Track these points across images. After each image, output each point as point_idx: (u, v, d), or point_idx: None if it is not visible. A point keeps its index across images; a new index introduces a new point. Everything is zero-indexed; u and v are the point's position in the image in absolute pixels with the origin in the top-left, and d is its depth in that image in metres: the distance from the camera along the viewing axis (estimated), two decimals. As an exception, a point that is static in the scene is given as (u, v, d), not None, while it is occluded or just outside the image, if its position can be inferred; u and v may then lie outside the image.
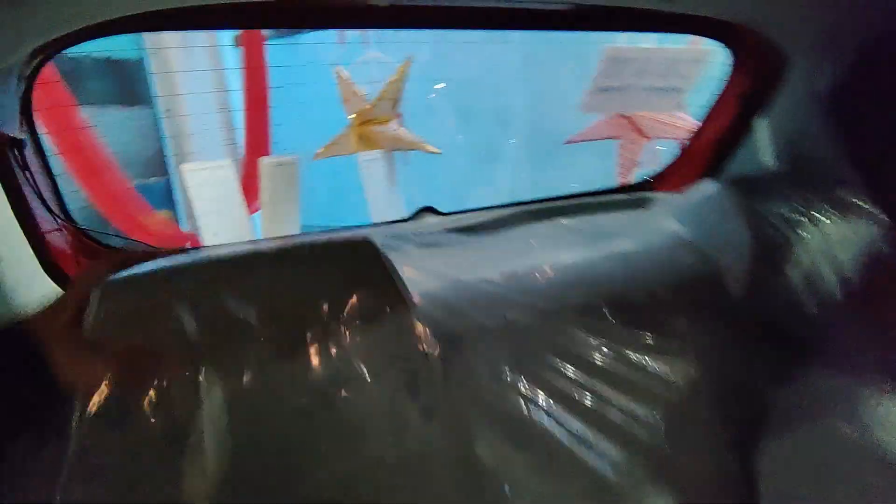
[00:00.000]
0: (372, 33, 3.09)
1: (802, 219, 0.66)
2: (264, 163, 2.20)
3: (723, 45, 0.94)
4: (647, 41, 1.03)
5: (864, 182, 0.57)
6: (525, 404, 0.53)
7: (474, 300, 0.56)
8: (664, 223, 0.73)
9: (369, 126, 2.25)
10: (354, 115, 2.31)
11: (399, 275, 0.53)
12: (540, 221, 0.74)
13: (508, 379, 0.53)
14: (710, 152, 0.97)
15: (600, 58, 0.91)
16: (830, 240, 0.65)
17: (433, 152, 2.20)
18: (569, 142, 2.02)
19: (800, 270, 0.65)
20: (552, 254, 0.64)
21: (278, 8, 0.63)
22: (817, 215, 0.67)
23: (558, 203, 0.84)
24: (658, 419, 0.56)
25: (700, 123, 1.07)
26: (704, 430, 0.58)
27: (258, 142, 2.42)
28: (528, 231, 0.72)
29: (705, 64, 0.97)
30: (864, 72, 0.63)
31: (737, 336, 0.62)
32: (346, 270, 0.53)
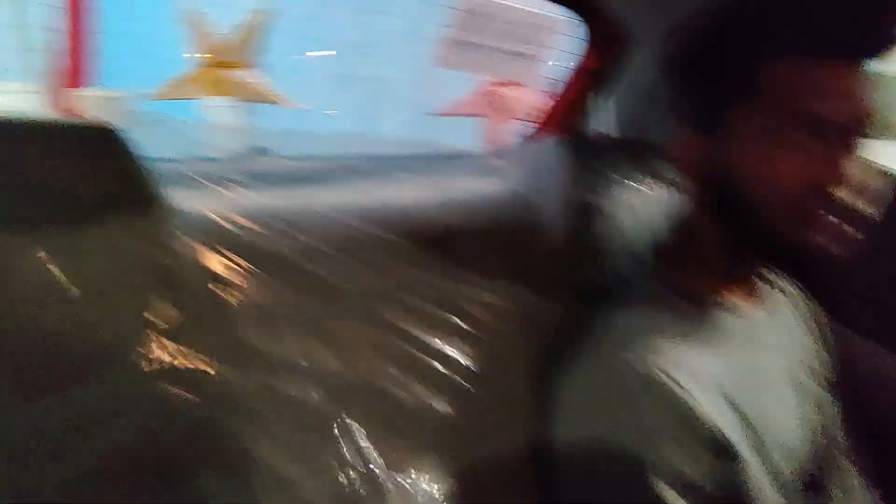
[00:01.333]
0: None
1: (627, 185, 0.69)
2: (84, 95, 1.85)
3: (577, 15, 0.95)
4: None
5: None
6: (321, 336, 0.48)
7: (268, 224, 0.48)
8: (494, 175, 0.74)
9: (220, 70, 1.99)
10: (204, 56, 2.03)
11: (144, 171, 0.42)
12: (373, 166, 0.69)
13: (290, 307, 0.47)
14: (557, 126, 0.99)
15: (456, 7, 0.86)
16: (649, 205, 0.69)
17: (297, 107, 2.03)
18: (433, 114, 2.00)
19: (617, 228, 0.68)
20: (373, 193, 0.59)
21: None
22: (640, 185, 0.71)
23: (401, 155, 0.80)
24: (468, 354, 0.56)
25: (552, 98, 1.08)
26: (511, 365, 0.58)
27: (76, 69, 2.01)
28: (355, 172, 0.66)
29: (560, 34, 0.98)
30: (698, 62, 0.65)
31: (550, 280, 0.62)
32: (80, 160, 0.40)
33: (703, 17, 0.55)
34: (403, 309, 0.53)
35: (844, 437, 0.64)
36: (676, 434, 0.46)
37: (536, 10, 1.00)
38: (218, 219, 0.48)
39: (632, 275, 0.62)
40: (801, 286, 0.72)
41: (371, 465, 0.47)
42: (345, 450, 0.46)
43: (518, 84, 1.76)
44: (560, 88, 1.05)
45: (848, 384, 0.73)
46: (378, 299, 0.52)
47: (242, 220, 0.48)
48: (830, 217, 0.49)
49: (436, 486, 0.50)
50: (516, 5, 0.97)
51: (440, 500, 0.51)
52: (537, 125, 1.04)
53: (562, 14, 0.98)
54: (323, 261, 0.50)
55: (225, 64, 1.98)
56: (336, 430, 0.47)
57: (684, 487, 0.46)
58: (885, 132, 0.89)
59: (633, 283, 0.61)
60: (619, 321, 0.54)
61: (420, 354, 0.52)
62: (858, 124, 0.49)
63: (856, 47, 0.49)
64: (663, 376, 0.47)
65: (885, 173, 0.56)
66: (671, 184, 0.64)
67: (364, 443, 0.47)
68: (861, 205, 0.49)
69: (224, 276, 0.46)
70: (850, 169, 0.48)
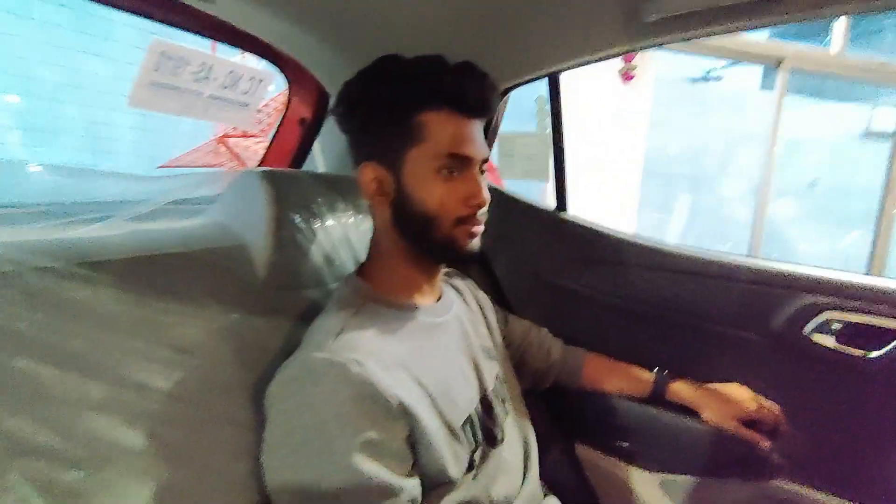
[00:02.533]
0: None
1: (330, 225, 0.80)
2: None
3: (277, 69, 1.04)
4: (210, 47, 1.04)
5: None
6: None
7: None
8: (208, 210, 0.79)
9: None
10: None
11: None
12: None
13: None
14: (273, 166, 1.05)
15: (150, 48, 0.85)
16: (349, 231, 0.80)
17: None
18: (162, 167, 1.87)
19: (321, 250, 0.75)
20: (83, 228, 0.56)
21: None
22: (341, 214, 0.81)
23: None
24: (178, 379, 0.55)
25: (268, 142, 1.14)
26: (225, 383, 0.59)
27: None
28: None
29: (267, 84, 1.05)
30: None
31: (258, 307, 0.66)
32: None
33: (362, 79, 0.69)
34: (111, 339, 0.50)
35: (511, 388, 0.83)
36: (358, 403, 0.54)
37: (239, 61, 1.05)
38: None
39: (336, 287, 0.72)
40: (472, 280, 0.93)
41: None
42: None
43: (245, 135, 1.79)
44: (274, 134, 1.12)
45: (512, 352, 0.95)
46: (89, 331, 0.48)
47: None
48: (477, 224, 0.67)
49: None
50: (219, 56, 1.01)
51: None
52: (256, 166, 1.08)
53: (269, 67, 1.07)
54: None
55: None
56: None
57: (381, 454, 0.54)
58: (513, 172, 1.22)
59: (340, 293, 0.70)
60: (330, 329, 0.61)
61: (122, 385, 0.50)
62: (485, 162, 0.69)
63: (480, 110, 0.68)
64: (350, 364, 0.55)
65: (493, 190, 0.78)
66: (368, 210, 0.75)
67: None
68: (485, 213, 0.69)
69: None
70: (483, 190, 0.67)
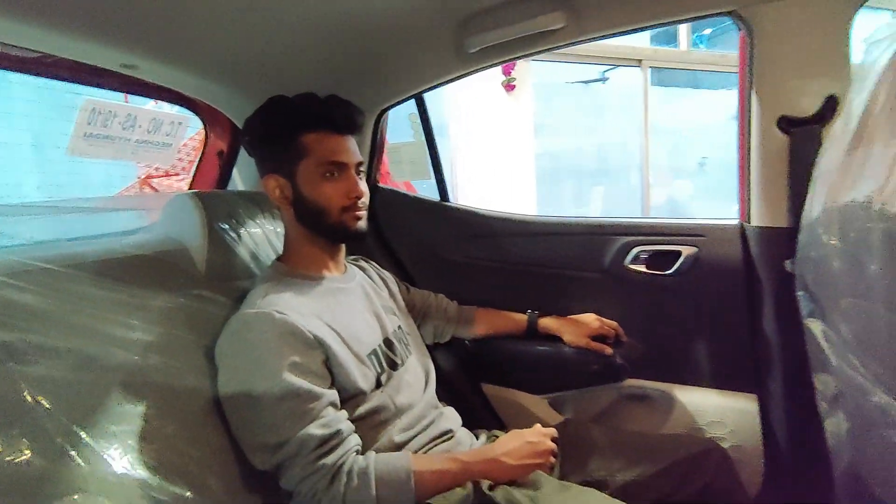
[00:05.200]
0: None
1: (252, 228, 1.03)
2: None
3: (193, 113, 1.25)
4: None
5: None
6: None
7: None
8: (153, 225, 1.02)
9: None
10: None
11: None
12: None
13: None
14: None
15: (82, 105, 1.05)
16: (268, 233, 1.04)
17: None
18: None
19: (247, 249, 0.98)
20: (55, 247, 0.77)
21: None
22: (261, 220, 1.04)
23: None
24: (146, 354, 0.74)
25: (193, 174, 1.34)
26: (182, 353, 0.79)
27: None
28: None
29: (186, 126, 1.26)
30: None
31: (202, 296, 0.88)
32: None
33: (258, 115, 0.93)
34: (95, 321, 0.70)
35: (414, 339, 1.08)
36: (283, 338, 0.77)
37: (158, 109, 1.26)
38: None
39: (260, 270, 0.97)
40: (377, 262, 1.18)
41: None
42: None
43: (168, 174, 1.96)
44: (196, 167, 1.32)
45: (415, 314, 1.21)
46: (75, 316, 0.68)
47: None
48: (358, 210, 0.92)
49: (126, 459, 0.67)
50: (145, 106, 1.21)
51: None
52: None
53: (186, 112, 1.28)
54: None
55: None
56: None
57: (305, 372, 0.77)
58: (408, 175, 1.49)
59: (264, 274, 0.93)
60: (256, 296, 0.84)
61: (114, 351, 0.70)
62: (360, 165, 0.94)
63: (348, 127, 0.94)
64: (273, 312, 0.79)
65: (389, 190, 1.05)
66: (277, 214, 0.99)
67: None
68: (365, 203, 0.94)
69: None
70: (361, 187, 0.92)
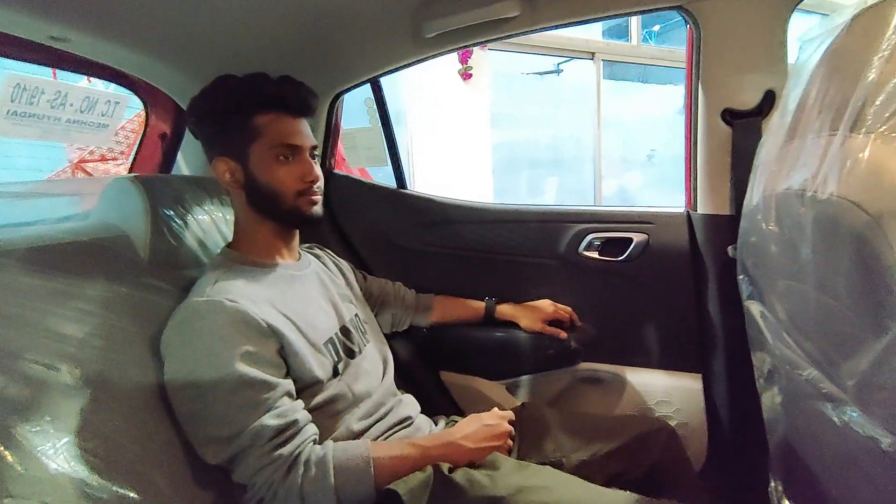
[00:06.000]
0: None
1: (199, 215, 0.99)
2: None
3: (131, 92, 1.17)
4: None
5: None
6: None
7: None
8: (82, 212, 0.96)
9: None
10: None
11: None
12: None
13: None
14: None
15: (4, 79, 0.96)
16: (216, 220, 0.99)
17: None
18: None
19: (195, 236, 0.94)
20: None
21: None
22: (209, 207, 0.99)
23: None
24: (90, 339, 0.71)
25: (136, 158, 1.27)
26: (127, 340, 0.75)
27: None
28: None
29: (124, 106, 1.18)
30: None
31: (146, 285, 0.83)
32: None
33: (206, 95, 0.88)
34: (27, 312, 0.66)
35: (371, 326, 1.07)
36: (235, 326, 0.74)
37: (92, 87, 1.17)
38: None
39: (208, 258, 0.92)
40: (332, 250, 1.15)
41: None
42: None
43: (104, 159, 1.83)
44: (136, 150, 1.25)
45: (372, 303, 1.20)
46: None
47: None
48: (313, 195, 0.89)
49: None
50: (78, 83, 1.12)
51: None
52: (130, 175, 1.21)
53: (125, 91, 1.19)
54: None
55: None
56: None
57: (258, 362, 0.74)
58: (363, 161, 1.47)
59: (213, 262, 0.89)
60: (205, 284, 0.80)
61: (49, 343, 0.66)
62: (314, 149, 0.91)
63: (302, 110, 0.90)
64: (224, 300, 0.75)
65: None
66: (228, 196, 0.94)
67: None
68: (321, 187, 0.92)
69: None
70: (316, 170, 0.89)
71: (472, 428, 0.88)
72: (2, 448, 0.57)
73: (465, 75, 3.41)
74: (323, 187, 0.93)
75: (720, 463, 1.17)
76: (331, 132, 1.37)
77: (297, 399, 0.79)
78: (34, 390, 0.62)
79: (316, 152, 0.93)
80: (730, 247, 0.98)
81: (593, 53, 3.79)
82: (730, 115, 1.00)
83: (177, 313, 0.77)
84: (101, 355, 0.71)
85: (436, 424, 1.02)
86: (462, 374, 1.35)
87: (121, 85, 1.17)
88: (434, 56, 1.16)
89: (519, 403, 1.12)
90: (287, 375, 0.79)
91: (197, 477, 0.73)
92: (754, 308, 0.78)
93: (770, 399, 0.77)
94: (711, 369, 1.17)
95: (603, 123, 4.19)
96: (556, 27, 1.11)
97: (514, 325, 1.23)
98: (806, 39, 0.65)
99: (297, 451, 0.73)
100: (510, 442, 0.92)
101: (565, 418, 1.06)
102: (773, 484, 0.81)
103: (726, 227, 0.98)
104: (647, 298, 1.23)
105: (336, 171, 1.46)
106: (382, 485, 0.76)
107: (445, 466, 0.80)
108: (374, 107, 1.33)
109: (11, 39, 0.90)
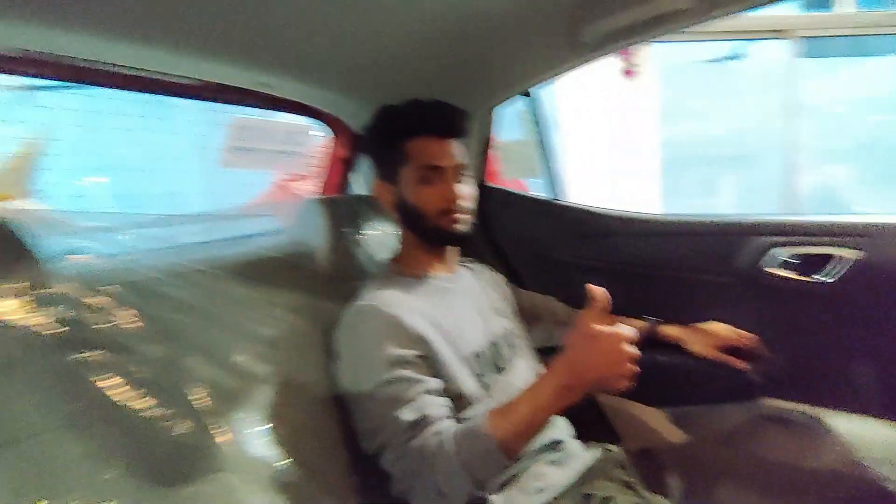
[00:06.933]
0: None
1: (371, 232, 1.09)
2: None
3: (321, 123, 1.35)
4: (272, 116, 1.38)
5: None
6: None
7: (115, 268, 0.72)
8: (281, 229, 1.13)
9: (-10, 202, 1.93)
10: (-35, 192, 1.94)
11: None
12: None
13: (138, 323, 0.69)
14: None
15: (230, 124, 1.19)
16: (375, 241, 1.10)
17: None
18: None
19: (365, 251, 1.04)
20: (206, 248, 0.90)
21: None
22: (378, 224, 1.09)
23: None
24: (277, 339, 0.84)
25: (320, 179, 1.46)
26: (308, 341, 0.87)
27: None
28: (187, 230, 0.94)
29: (312, 134, 1.37)
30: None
31: (326, 294, 0.95)
32: None
33: (370, 125, 0.98)
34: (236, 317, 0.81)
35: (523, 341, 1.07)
36: (388, 330, 0.81)
37: (292, 121, 1.38)
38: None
39: (376, 270, 1.02)
40: (487, 264, 1.18)
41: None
42: None
43: (298, 178, 2.15)
44: (324, 172, 1.43)
45: (523, 316, 1.19)
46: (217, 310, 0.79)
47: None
48: (460, 216, 0.93)
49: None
50: (277, 119, 1.35)
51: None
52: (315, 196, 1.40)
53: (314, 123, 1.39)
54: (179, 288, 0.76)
55: (-5, 197, 1.92)
56: None
57: (404, 363, 0.80)
58: (519, 173, 1.48)
59: (375, 274, 0.99)
60: (367, 291, 0.90)
61: (251, 344, 0.80)
62: (460, 169, 0.95)
63: (448, 131, 0.95)
64: (379, 306, 0.83)
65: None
66: (390, 217, 1.04)
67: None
68: (470, 208, 0.95)
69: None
70: (464, 190, 0.93)
71: (584, 358, 0.73)
72: (217, 431, 0.70)
73: (629, 72, 3.19)
74: (469, 205, 0.96)
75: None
76: (485, 146, 1.41)
77: (440, 398, 0.82)
78: (240, 383, 0.76)
79: (463, 171, 0.97)
80: None
81: (785, 31, 3.22)
82: None
83: (344, 317, 0.87)
84: (287, 356, 0.83)
85: (587, 450, 0.97)
86: (620, 397, 1.26)
87: (309, 116, 1.36)
88: (593, 60, 1.11)
89: (684, 437, 1.01)
90: (433, 377, 0.83)
91: (361, 469, 0.81)
92: None
93: None
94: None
95: (799, 110, 3.54)
96: (739, 12, 0.97)
97: (677, 348, 1.12)
98: None
99: (425, 443, 0.75)
100: (634, 367, 0.72)
101: (743, 462, 0.92)
102: None
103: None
104: (858, 328, 1.01)
105: (489, 183, 1.49)
106: (509, 449, 0.73)
107: (598, 499, 0.76)
108: (529, 118, 1.32)
109: (231, 88, 1.12)
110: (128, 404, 0.62)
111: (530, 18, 1.04)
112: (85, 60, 0.84)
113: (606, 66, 3.28)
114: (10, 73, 0.85)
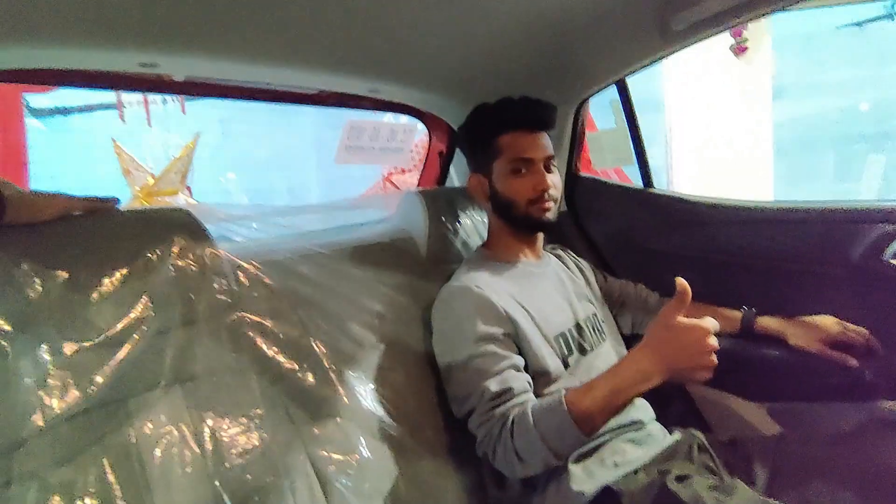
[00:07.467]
0: (154, 116, 3.21)
1: (464, 220, 1.19)
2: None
3: (422, 122, 1.48)
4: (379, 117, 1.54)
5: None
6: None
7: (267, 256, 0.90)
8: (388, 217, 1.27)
9: (154, 197, 2.35)
10: (138, 188, 2.40)
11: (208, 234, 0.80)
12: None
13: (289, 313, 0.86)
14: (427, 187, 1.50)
15: (344, 125, 1.36)
16: (469, 228, 1.19)
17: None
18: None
19: (460, 237, 1.15)
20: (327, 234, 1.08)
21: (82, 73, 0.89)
22: (471, 213, 1.19)
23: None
24: (386, 315, 0.99)
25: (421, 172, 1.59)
26: (409, 318, 1.01)
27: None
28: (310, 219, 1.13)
29: (414, 131, 1.50)
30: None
31: (425, 275, 1.07)
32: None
33: (466, 122, 1.08)
34: (351, 292, 0.96)
35: (609, 326, 1.10)
36: (478, 308, 0.90)
37: (395, 120, 1.53)
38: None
39: (470, 255, 1.12)
40: (575, 250, 1.23)
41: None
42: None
43: (403, 171, 2.33)
44: (423, 166, 1.57)
45: (612, 303, 1.21)
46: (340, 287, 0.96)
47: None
48: (548, 204, 1.00)
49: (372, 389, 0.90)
50: (382, 119, 1.50)
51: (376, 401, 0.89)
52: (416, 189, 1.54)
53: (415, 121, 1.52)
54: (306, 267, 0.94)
55: (159, 193, 2.36)
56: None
57: (492, 339, 0.88)
58: (612, 162, 1.49)
59: (469, 257, 1.09)
60: (461, 273, 1.01)
61: (363, 315, 0.95)
62: (549, 160, 1.02)
63: (536, 125, 1.02)
64: (472, 286, 0.93)
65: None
66: (483, 206, 1.13)
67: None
68: (558, 197, 1.01)
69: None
70: (552, 180, 1.00)
71: (665, 349, 0.75)
72: (338, 383, 0.85)
73: (739, 49, 2.94)
74: (557, 195, 1.02)
75: None
76: (576, 137, 1.44)
77: (526, 378, 0.89)
78: (355, 347, 0.90)
79: (553, 162, 1.02)
80: None
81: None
82: None
83: (440, 294, 0.99)
84: (393, 328, 0.97)
85: (670, 434, 0.99)
86: (713, 388, 1.24)
87: (411, 115, 1.49)
88: (684, 48, 1.10)
89: (778, 429, 0.98)
90: (517, 355, 0.91)
91: (451, 428, 0.92)
92: None
93: None
94: None
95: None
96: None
97: (779, 341, 1.07)
98: None
99: (507, 412, 0.83)
100: (714, 360, 0.74)
101: (853, 465, 0.88)
102: None
103: None
104: None
105: (581, 173, 1.52)
106: (585, 425, 0.77)
107: (672, 476, 0.79)
108: (620, 107, 1.33)
109: (345, 95, 1.27)
110: (272, 356, 0.79)
111: (620, 10, 1.06)
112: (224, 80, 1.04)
113: (712, 44, 3.04)
114: (181, 93, 1.09)
